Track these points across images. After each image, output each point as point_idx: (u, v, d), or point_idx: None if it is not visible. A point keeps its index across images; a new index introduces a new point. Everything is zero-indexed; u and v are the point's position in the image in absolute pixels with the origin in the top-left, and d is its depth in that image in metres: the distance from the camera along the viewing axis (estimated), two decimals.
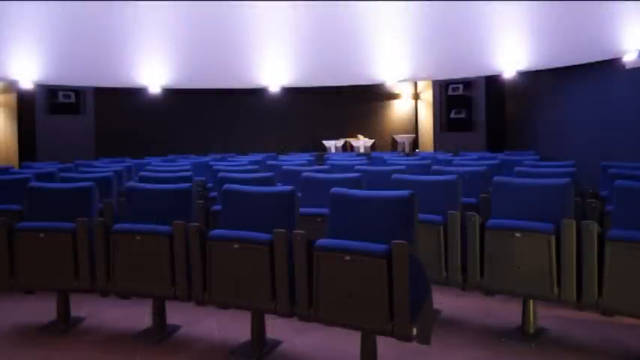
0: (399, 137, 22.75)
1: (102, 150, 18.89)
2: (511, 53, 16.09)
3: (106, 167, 12.14)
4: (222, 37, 15.32)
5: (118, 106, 20.62)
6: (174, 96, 20.47)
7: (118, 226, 6.39)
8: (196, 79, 18.96)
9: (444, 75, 19.68)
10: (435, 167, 9.94)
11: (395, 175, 7.71)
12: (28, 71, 16.47)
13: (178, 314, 6.88)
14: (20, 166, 15.05)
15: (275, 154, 16.60)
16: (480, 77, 19.16)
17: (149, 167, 12.31)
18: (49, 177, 10.16)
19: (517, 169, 9.07)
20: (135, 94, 19.61)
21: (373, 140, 22.49)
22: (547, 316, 6.63)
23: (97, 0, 12.67)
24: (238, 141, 21.27)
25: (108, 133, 20.02)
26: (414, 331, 4.80)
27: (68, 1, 12.77)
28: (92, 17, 13.81)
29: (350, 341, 5.57)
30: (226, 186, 6.40)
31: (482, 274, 6.21)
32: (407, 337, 4.80)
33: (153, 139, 20.88)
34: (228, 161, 14.09)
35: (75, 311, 7.02)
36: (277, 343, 6.11)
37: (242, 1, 13.05)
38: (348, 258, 5.00)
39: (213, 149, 19.22)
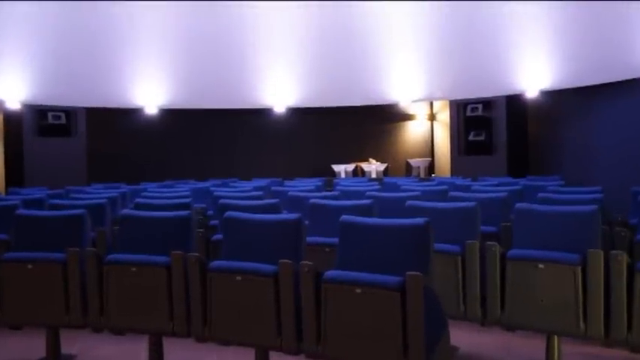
0: (413, 161, 22.78)
1: (94, 175, 18.93)
2: (534, 71, 16.14)
3: (98, 193, 12.18)
4: (223, 53, 15.43)
5: (112, 128, 20.71)
6: (172, 117, 20.55)
7: (111, 256, 6.41)
8: (196, 98, 19.04)
9: (462, 94, 19.72)
10: (452, 193, 9.96)
11: (409, 202, 7.73)
12: (15, 90, 16.55)
13: (177, 351, 6.88)
14: (7, 192, 15.08)
15: (280, 179, 16.62)
16: (501, 97, 19.18)
17: (145, 193, 12.34)
18: (37, 204, 10.20)
19: (540, 195, 9.07)
20: (130, 114, 19.71)
21: (386, 164, 22.52)
22: (572, 354, 6.63)
23: (89, 7, 12.71)
24: (241, 165, 21.32)
25: (101, 157, 20.09)
26: None
27: (59, 14, 12.85)
28: (84, 32, 13.89)
29: None
30: (228, 213, 6.42)
31: (502, 308, 6.22)
32: None
33: (149, 164, 20.95)
34: (230, 187, 14.11)
35: (66, 348, 7.03)
36: None
37: (243, 1, 13.03)
38: (358, 291, 5.01)
39: (214, 174, 19.23)
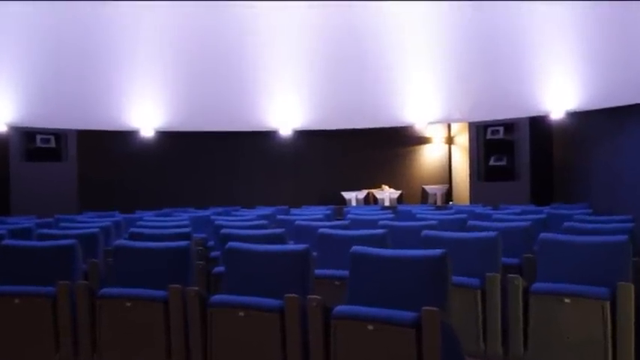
0: (429, 188, 22.78)
1: (86, 202, 18.90)
2: (559, 90, 16.12)
3: (90, 222, 12.20)
4: (224, 71, 15.42)
5: (105, 152, 20.71)
6: (170, 140, 20.56)
7: (105, 290, 6.42)
8: (195, 120, 19.06)
9: (482, 116, 19.68)
10: (471, 222, 9.97)
11: (425, 232, 7.75)
12: (2, 112, 16.57)
13: None
14: None
15: (287, 207, 16.62)
16: (524, 118, 19.13)
17: (141, 222, 12.37)
18: (25, 234, 10.24)
19: (566, 224, 9.07)
20: (124, 137, 19.73)
21: (400, 191, 22.48)
22: None
23: (80, 21, 12.72)
24: (244, 192, 21.32)
25: (93, 183, 20.08)
26: None
27: (47, 29, 12.87)
28: (75, 48, 13.87)
29: None
30: (230, 244, 6.44)
31: (525, 345, 6.23)
32: None
33: (145, 190, 20.93)
34: (233, 216, 14.14)
35: None
36: None
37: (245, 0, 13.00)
38: (371, 327, 5.02)
39: (215, 202, 19.21)
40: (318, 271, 7.00)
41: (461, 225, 10.29)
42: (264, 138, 20.66)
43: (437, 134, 23.46)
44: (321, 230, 8.64)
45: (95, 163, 20.40)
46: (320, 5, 13.81)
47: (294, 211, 15.48)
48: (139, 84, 16.54)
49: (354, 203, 21.53)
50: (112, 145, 20.54)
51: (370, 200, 22.40)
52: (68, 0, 13.21)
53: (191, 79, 15.87)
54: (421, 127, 21.20)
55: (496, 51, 14.51)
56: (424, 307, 4.78)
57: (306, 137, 20.77)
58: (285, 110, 18.55)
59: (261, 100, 18.06)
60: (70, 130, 19.33)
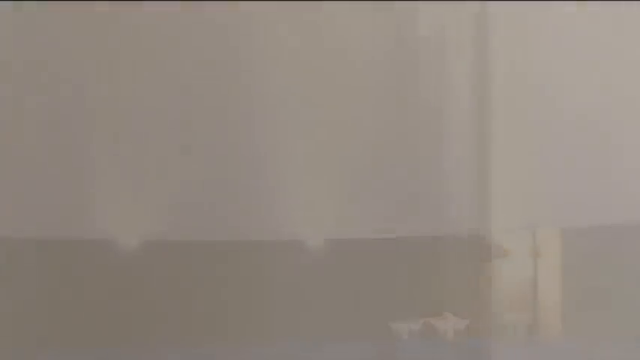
0: (508, 317, 22.50)
1: (46, 338, 18.66)
2: None
3: None
4: (233, 150, 15.32)
5: (70, 270, 20.51)
6: (159, 253, 20.38)
7: None
8: (192, 225, 18.93)
9: (583, 218, 19.40)
10: None
11: None
12: None
13: None
14: None
15: (310, 341, 16.39)
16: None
17: None
18: None
19: None
20: (96, 249, 19.55)
21: (468, 321, 22.19)
22: None
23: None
24: (257, 322, 21.05)
25: (55, 312, 19.86)
26: None
27: None
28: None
29: None
30: None
31: None
32: None
33: (126, 321, 20.70)
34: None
35: None
36: None
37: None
38: None
39: (219, 338, 18.92)
40: None
41: None
42: (284, 250, 20.49)
43: (518, 245, 23.20)
44: None
45: (57, 284, 20.21)
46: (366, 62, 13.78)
47: (315, 347, 15.28)
48: (116, 172, 16.46)
49: (406, 337, 21.28)
50: (79, 261, 20.35)
51: (428, 333, 22.17)
52: None
53: (186, 164, 15.79)
54: (495, 234, 21.01)
55: (609, 120, 14.28)
56: None
57: (341, 247, 20.58)
58: (313, 211, 18.42)
59: (281, 200, 17.99)
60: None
